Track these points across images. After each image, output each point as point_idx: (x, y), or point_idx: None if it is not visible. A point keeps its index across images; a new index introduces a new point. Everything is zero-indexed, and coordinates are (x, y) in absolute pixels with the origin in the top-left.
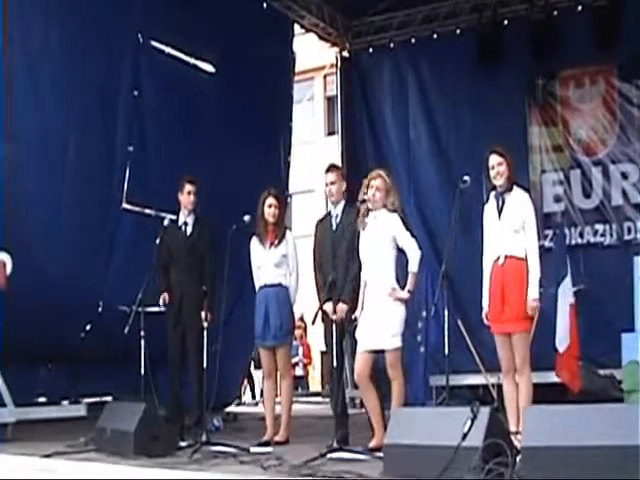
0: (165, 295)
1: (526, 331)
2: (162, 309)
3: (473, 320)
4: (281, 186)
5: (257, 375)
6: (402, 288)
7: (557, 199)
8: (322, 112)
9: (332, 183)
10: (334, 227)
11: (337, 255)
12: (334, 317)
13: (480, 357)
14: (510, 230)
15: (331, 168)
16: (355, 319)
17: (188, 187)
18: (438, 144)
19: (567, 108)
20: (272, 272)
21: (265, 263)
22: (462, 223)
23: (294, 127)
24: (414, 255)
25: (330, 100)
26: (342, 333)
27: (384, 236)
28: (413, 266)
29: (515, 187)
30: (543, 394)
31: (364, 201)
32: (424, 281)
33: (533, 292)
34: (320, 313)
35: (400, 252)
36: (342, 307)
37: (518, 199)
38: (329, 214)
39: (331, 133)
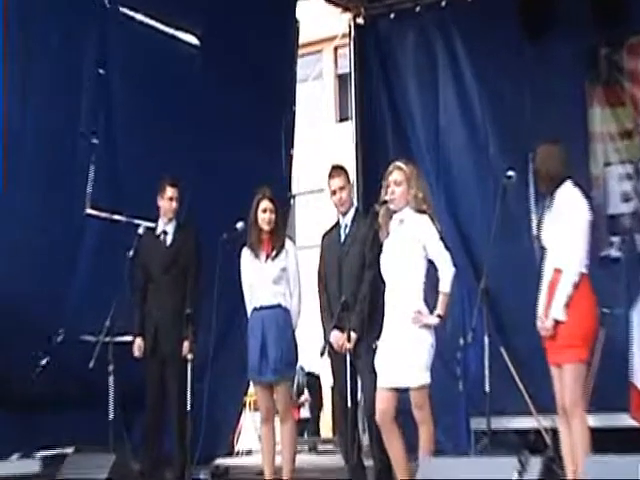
0: (140, 342)
1: (578, 361)
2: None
3: (521, 348)
4: (282, 185)
5: (251, 418)
6: (431, 311)
7: (625, 198)
8: (332, 93)
9: (341, 189)
10: (342, 239)
11: (343, 272)
12: (344, 349)
13: (530, 395)
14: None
15: (336, 171)
16: (374, 348)
17: (170, 191)
18: (475, 132)
19: (638, 84)
20: (269, 291)
21: (260, 280)
22: (505, 227)
23: (298, 112)
24: (447, 272)
25: (342, 79)
26: (355, 367)
27: (412, 245)
28: (445, 285)
29: (567, 182)
30: (612, 441)
31: (384, 202)
32: (460, 301)
33: (555, 309)
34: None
35: (430, 263)
36: (353, 337)
37: (566, 198)
38: (337, 224)
39: (343, 119)
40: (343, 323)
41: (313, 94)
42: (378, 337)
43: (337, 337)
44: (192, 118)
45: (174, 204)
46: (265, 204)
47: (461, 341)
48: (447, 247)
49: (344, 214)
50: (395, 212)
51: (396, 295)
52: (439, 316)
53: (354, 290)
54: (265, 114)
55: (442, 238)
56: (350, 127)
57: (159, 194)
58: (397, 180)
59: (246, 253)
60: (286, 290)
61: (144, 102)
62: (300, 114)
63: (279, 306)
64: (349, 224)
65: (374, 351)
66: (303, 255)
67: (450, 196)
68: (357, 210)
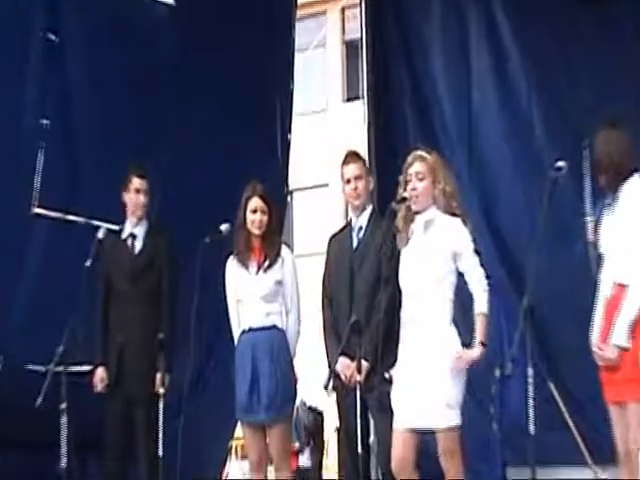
0: (101, 373)
1: None
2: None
3: (573, 381)
4: (276, 179)
5: (238, 467)
6: (462, 335)
7: None
8: (338, 65)
9: (357, 178)
10: (354, 244)
11: (356, 285)
12: (353, 380)
13: (585, 440)
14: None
15: (352, 157)
16: (389, 379)
17: (137, 182)
18: (516, 115)
19: None
20: (261, 309)
21: (250, 296)
22: (554, 231)
23: (296, 89)
24: (482, 290)
25: (350, 47)
26: (366, 403)
27: (441, 254)
28: (482, 305)
29: (636, 176)
30: None
31: (403, 199)
32: (496, 323)
33: (617, 334)
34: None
35: (459, 276)
36: (364, 366)
37: (635, 195)
38: (349, 225)
39: (352, 98)
40: (353, 349)
41: (315, 66)
42: (393, 365)
43: (345, 366)
44: (166, 97)
45: (142, 198)
46: (255, 203)
47: (497, 372)
48: (481, 260)
49: (359, 212)
50: (417, 213)
51: (418, 315)
52: (482, 344)
53: (367, 308)
54: (256, 91)
55: (477, 250)
56: (360, 108)
57: (124, 187)
58: (419, 173)
59: (232, 263)
60: (282, 308)
61: (106, 77)
62: (299, 91)
63: (273, 328)
64: (364, 226)
65: (389, 382)
66: (302, 265)
67: (484, 193)
68: (374, 210)
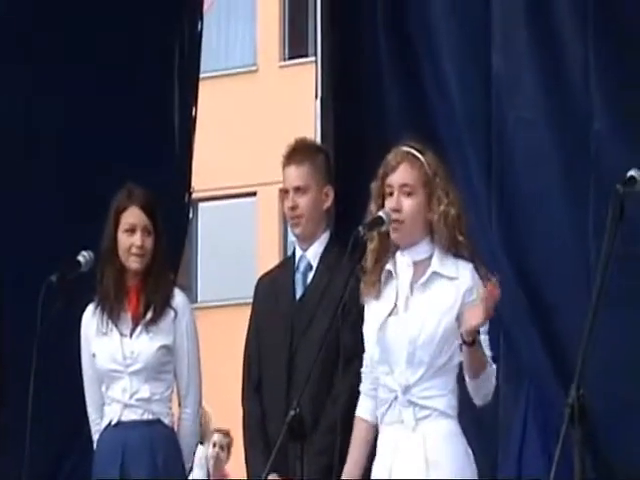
0: None
1: None
2: None
3: None
4: (170, 180)
5: None
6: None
7: None
8: (276, 6)
9: (297, 190)
10: (298, 294)
11: (297, 360)
12: None
13: None
14: None
15: (296, 153)
16: None
17: None
18: (564, 93)
19: None
20: (136, 392)
21: (119, 371)
22: (621, 282)
23: (211, 38)
24: (489, 383)
25: None
26: None
27: (444, 320)
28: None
29: None
30: None
31: (377, 222)
32: (518, 426)
33: None
34: None
35: None
36: None
37: None
38: (290, 261)
39: (297, 55)
40: (290, 464)
41: (240, 6)
42: None
43: None
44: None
45: None
46: (133, 217)
47: None
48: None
49: (306, 243)
50: (399, 247)
51: (409, 415)
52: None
53: (315, 399)
54: (138, 39)
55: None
56: (308, 70)
57: None
58: (406, 185)
59: (91, 317)
60: (170, 389)
61: None
62: (214, 41)
63: (156, 423)
64: (314, 264)
65: None
66: (210, 321)
67: (512, 220)
68: (332, 239)
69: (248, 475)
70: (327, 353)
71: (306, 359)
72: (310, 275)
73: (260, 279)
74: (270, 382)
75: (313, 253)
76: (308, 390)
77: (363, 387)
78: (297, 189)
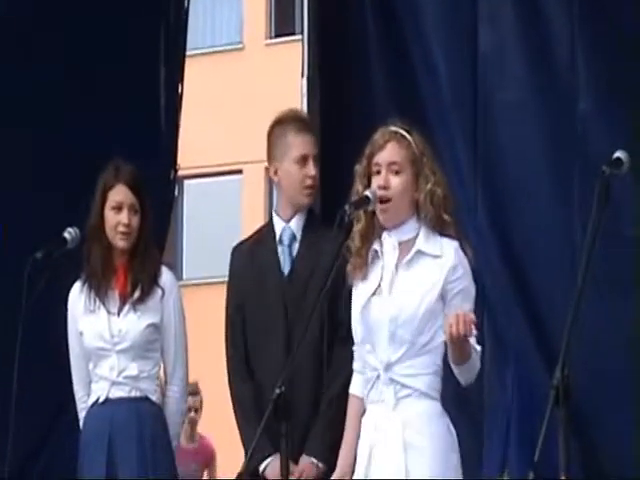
0: None
1: None
2: None
3: None
4: (156, 157)
5: None
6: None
7: None
8: None
9: (315, 159)
10: (285, 268)
11: (295, 336)
12: None
13: None
14: None
15: (308, 122)
16: None
17: None
18: (551, 70)
19: None
20: (123, 370)
21: (106, 348)
22: (605, 265)
23: (197, 15)
24: (474, 367)
25: None
26: None
27: (429, 299)
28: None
29: None
30: None
31: (363, 201)
32: (505, 404)
33: None
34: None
35: None
36: (308, 468)
37: None
38: (269, 232)
39: (284, 34)
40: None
41: None
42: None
43: (273, 470)
44: None
45: None
46: (120, 195)
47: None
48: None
49: (290, 215)
50: (386, 227)
51: (389, 394)
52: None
53: (312, 377)
54: (123, 15)
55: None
56: (294, 50)
57: None
58: (394, 163)
59: (78, 295)
60: (157, 367)
61: None
62: (196, 20)
63: (143, 400)
64: (299, 236)
65: None
66: (196, 298)
67: (498, 200)
68: (310, 211)
69: (246, 447)
70: (319, 329)
71: (295, 334)
72: (294, 248)
73: (236, 249)
74: (267, 357)
75: (296, 225)
76: (307, 366)
77: (355, 365)
78: (315, 158)
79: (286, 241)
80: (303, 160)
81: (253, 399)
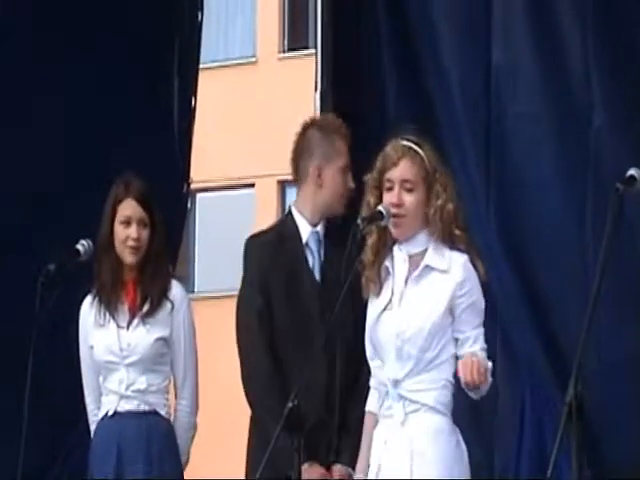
0: None
1: None
2: None
3: None
4: (168, 171)
5: None
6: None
7: None
8: None
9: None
10: (316, 271)
11: (337, 344)
12: None
13: None
14: None
15: (345, 128)
16: None
17: None
18: (564, 83)
19: None
20: (133, 384)
21: (115, 362)
22: (620, 278)
23: (211, 29)
24: (485, 387)
25: None
26: None
27: (440, 312)
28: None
29: None
30: None
31: (375, 216)
32: (515, 420)
33: None
34: None
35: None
36: (345, 473)
37: None
38: (294, 230)
39: (297, 47)
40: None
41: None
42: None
43: (314, 473)
44: None
45: None
46: (129, 209)
47: None
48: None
49: (316, 218)
50: (396, 242)
51: (398, 409)
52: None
53: (348, 386)
54: (138, 30)
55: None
56: (308, 62)
57: None
58: (408, 181)
59: (89, 309)
60: (166, 381)
61: None
62: (214, 32)
63: (152, 414)
64: (323, 242)
65: None
66: (207, 313)
67: (510, 215)
68: (328, 220)
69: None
70: (349, 335)
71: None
72: (322, 253)
73: (254, 240)
74: (288, 365)
75: (322, 230)
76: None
77: (372, 381)
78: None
79: (314, 246)
80: (345, 170)
81: (272, 375)
